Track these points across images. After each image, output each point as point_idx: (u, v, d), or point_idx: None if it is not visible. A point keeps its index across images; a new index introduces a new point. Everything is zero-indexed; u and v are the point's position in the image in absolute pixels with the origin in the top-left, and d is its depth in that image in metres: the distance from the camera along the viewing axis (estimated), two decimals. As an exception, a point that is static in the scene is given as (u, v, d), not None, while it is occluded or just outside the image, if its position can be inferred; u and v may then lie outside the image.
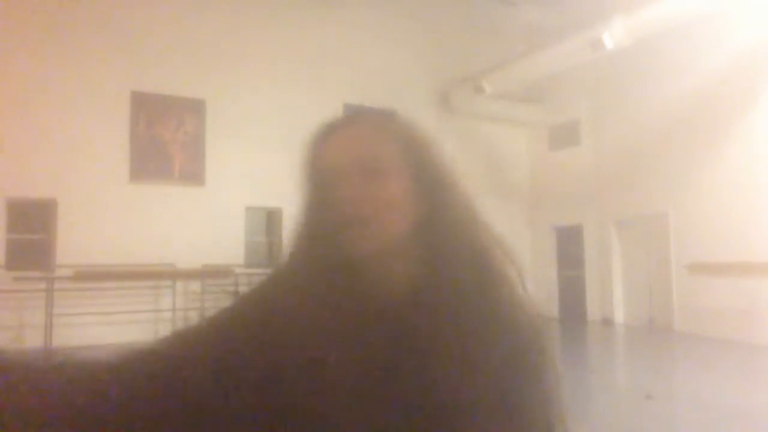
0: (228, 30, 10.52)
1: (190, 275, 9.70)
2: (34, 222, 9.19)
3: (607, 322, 11.72)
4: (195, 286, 9.84)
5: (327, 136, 0.84)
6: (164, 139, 10.15)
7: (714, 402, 5.79)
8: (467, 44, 12.58)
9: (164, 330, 9.59)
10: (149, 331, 9.57)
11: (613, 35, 9.47)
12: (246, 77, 10.58)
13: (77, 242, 9.10)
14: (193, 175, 10.27)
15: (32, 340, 8.62)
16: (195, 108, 10.35)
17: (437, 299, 0.79)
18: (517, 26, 12.45)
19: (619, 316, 11.73)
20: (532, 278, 13.72)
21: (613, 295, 11.82)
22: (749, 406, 5.62)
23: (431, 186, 0.83)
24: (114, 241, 9.28)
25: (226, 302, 0.85)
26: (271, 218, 10.62)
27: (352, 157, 0.81)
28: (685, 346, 9.47)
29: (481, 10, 12.64)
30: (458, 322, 0.79)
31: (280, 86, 10.81)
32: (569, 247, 12.81)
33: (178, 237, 9.65)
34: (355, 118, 0.87)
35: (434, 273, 0.80)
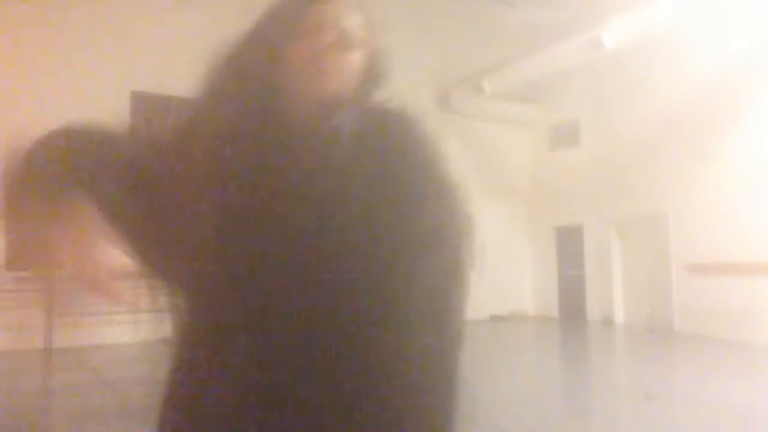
0: (228, 30, 10.52)
1: (190, 275, 9.69)
2: (34, 222, 9.19)
3: (607, 322, 11.73)
4: (195, 286, 9.84)
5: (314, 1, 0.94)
6: (164, 139, 10.15)
7: (714, 402, 5.79)
8: (467, 44, 12.58)
9: (164, 330, 9.58)
10: (149, 331, 9.58)
11: (613, 35, 9.47)
12: (246, 77, 10.57)
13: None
14: (193, 175, 10.27)
15: (32, 340, 8.63)
16: (195, 108, 10.34)
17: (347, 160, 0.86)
18: (517, 26, 12.45)
19: (619, 316, 11.73)
20: (533, 278, 13.79)
21: (613, 295, 11.82)
22: (750, 406, 5.62)
23: (377, 70, 0.96)
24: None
25: None
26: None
27: (335, 17, 0.92)
28: (685, 346, 9.47)
29: (481, 11, 12.63)
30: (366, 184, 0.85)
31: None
32: (569, 247, 12.82)
33: (178, 237, 9.64)
34: None
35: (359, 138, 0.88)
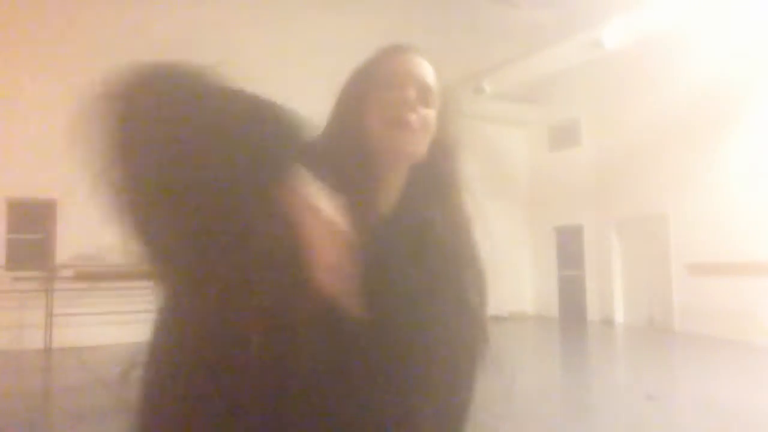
0: (227, 30, 10.52)
1: (190, 275, 9.69)
2: (34, 222, 9.19)
3: (607, 322, 11.72)
4: (195, 286, 9.84)
5: (400, 50, 0.95)
6: (164, 139, 10.15)
7: (714, 402, 5.79)
8: (467, 44, 12.58)
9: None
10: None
11: (613, 35, 9.47)
12: (245, 77, 10.56)
13: (77, 242, 9.10)
14: (193, 175, 10.27)
15: (32, 340, 8.63)
16: (195, 108, 10.35)
17: (412, 236, 0.89)
18: (517, 26, 12.45)
19: (619, 316, 11.73)
20: (533, 278, 13.77)
21: (613, 295, 11.82)
22: (749, 406, 5.62)
23: (447, 132, 0.96)
24: (114, 241, 9.26)
25: None
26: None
27: (419, 74, 0.92)
28: (685, 346, 9.47)
29: (481, 10, 12.63)
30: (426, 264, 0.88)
31: (280, 86, 10.77)
32: (569, 247, 12.81)
33: (178, 237, 9.64)
34: (409, 45, 0.98)
35: (418, 213, 0.91)
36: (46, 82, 9.21)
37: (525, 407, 5.35)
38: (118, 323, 8.97)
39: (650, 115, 10.77)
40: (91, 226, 9.54)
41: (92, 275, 8.85)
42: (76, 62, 9.45)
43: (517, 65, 11.36)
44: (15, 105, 8.99)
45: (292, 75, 11.07)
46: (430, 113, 0.92)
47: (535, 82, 12.10)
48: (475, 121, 12.97)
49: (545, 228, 13.28)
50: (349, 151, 0.88)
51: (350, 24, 11.63)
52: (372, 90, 0.91)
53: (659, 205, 10.68)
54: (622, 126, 11.48)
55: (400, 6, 12.07)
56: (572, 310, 12.57)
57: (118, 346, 8.89)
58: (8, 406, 5.76)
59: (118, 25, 9.76)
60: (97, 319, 8.75)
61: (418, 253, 0.88)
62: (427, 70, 0.94)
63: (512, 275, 12.62)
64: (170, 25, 10.15)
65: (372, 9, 11.84)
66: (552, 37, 10.64)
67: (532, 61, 11.07)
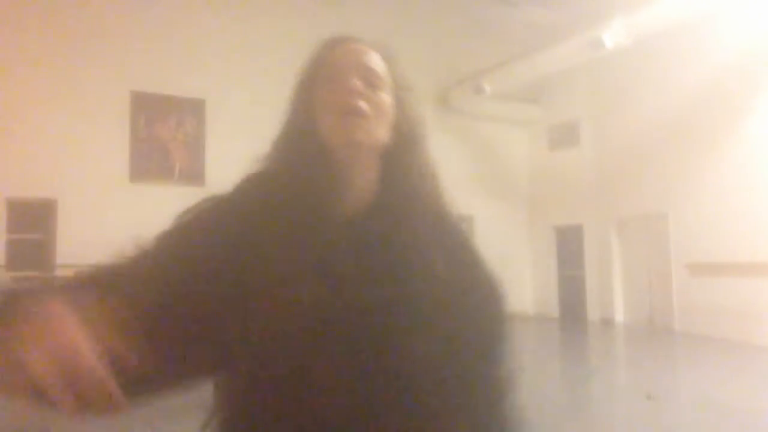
0: (228, 30, 10.53)
1: (190, 275, 9.68)
2: (34, 222, 9.19)
3: (607, 322, 11.72)
4: (195, 286, 9.84)
5: (340, 41, 0.95)
6: (164, 139, 10.15)
7: (714, 402, 5.79)
8: (467, 44, 12.58)
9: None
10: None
11: (613, 35, 9.47)
12: (245, 77, 10.57)
13: (77, 242, 9.10)
14: (193, 175, 10.27)
15: (32, 340, 8.63)
16: (195, 108, 10.35)
17: (401, 215, 0.88)
18: (517, 26, 12.44)
19: (619, 316, 11.73)
20: (533, 278, 13.78)
21: (613, 295, 11.82)
22: (749, 406, 5.62)
23: (407, 117, 0.94)
24: (114, 241, 9.26)
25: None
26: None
27: (362, 61, 0.92)
28: (685, 346, 9.47)
29: (481, 10, 12.63)
30: (421, 239, 0.87)
31: (280, 86, 10.78)
32: (569, 247, 12.81)
33: (178, 237, 9.64)
34: (350, 35, 0.97)
35: (398, 192, 0.90)
36: (46, 82, 9.21)
37: (525, 407, 5.35)
38: (118, 323, 8.98)
39: (650, 115, 10.77)
40: (91, 226, 9.50)
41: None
42: (76, 62, 9.46)
43: (517, 65, 11.36)
44: (15, 105, 8.99)
45: (292, 70, 11.07)
46: (383, 97, 0.91)
47: (535, 82, 12.09)
48: (475, 121, 12.98)
49: (545, 228, 13.28)
50: (305, 150, 0.88)
51: (350, 23, 11.62)
52: (319, 85, 0.91)
53: (659, 204, 10.67)
54: (622, 126, 11.48)
55: (400, 5, 12.07)
56: (572, 310, 12.57)
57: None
58: (8, 407, 5.75)
59: (123, 26, 9.76)
60: (97, 319, 8.74)
61: (395, 243, 0.86)
62: (371, 56, 0.93)
63: (512, 275, 12.62)
64: (171, 25, 10.16)
65: (372, 8, 11.84)
66: (552, 37, 10.64)
67: (532, 61, 11.06)
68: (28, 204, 9.12)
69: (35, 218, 9.19)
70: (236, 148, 11.85)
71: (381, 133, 0.90)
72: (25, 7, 9.17)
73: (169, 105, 10.20)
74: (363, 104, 0.88)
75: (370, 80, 0.91)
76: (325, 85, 0.90)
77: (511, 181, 13.58)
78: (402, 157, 0.92)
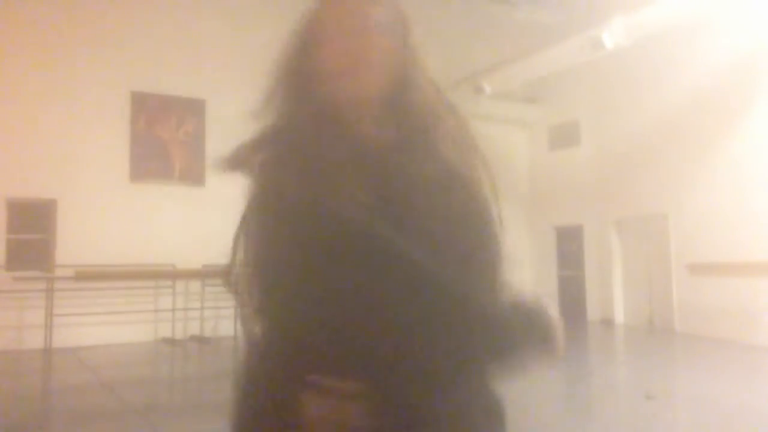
0: (228, 30, 10.52)
1: (190, 275, 9.69)
2: (34, 222, 9.19)
3: (607, 322, 11.72)
4: (195, 286, 9.84)
5: (319, 5, 0.97)
6: (164, 139, 10.15)
7: (714, 402, 5.79)
8: (467, 44, 12.58)
9: (164, 330, 9.60)
10: (149, 331, 9.58)
11: (613, 35, 9.46)
12: (246, 77, 10.56)
13: (77, 242, 9.10)
14: (193, 175, 10.27)
15: (32, 341, 8.63)
16: (195, 108, 10.35)
17: (415, 150, 0.92)
18: (517, 26, 12.44)
19: (619, 316, 11.73)
20: (532, 278, 13.76)
21: (613, 295, 11.82)
22: (749, 406, 5.62)
23: (411, 59, 0.96)
24: (114, 241, 9.27)
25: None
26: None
27: (350, 13, 0.93)
28: (685, 346, 9.47)
29: (481, 10, 12.63)
30: (433, 175, 0.91)
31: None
32: (569, 247, 12.81)
33: (178, 237, 9.64)
34: None
35: (411, 131, 0.93)
36: (46, 82, 9.21)
37: (524, 407, 5.35)
38: (118, 323, 8.98)
39: (650, 115, 10.77)
40: (91, 226, 9.51)
41: (92, 275, 8.85)
42: (76, 62, 9.46)
43: (517, 65, 11.35)
44: (15, 105, 8.99)
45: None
46: (378, 45, 0.92)
47: (535, 82, 12.09)
48: (475, 121, 12.97)
49: (545, 228, 13.28)
50: (312, 111, 0.92)
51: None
52: (313, 45, 0.93)
53: (659, 205, 10.67)
54: (622, 126, 11.48)
55: (400, 5, 12.06)
56: (572, 310, 12.56)
57: (118, 346, 8.90)
58: (8, 407, 5.76)
59: (124, 26, 9.75)
60: (97, 319, 8.75)
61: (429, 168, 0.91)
62: (362, 10, 0.94)
63: (512, 275, 12.59)
64: (171, 25, 10.16)
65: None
66: (552, 37, 10.63)
67: (532, 61, 11.06)
68: (28, 204, 9.12)
69: (35, 218, 9.19)
70: (236, 149, 11.84)
71: (381, 80, 0.92)
72: (25, 7, 9.17)
73: (169, 105, 10.21)
74: (353, 62, 0.90)
75: (361, 31, 0.91)
76: (320, 47, 0.92)
77: (511, 181, 13.57)
78: (410, 95, 0.94)
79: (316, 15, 0.96)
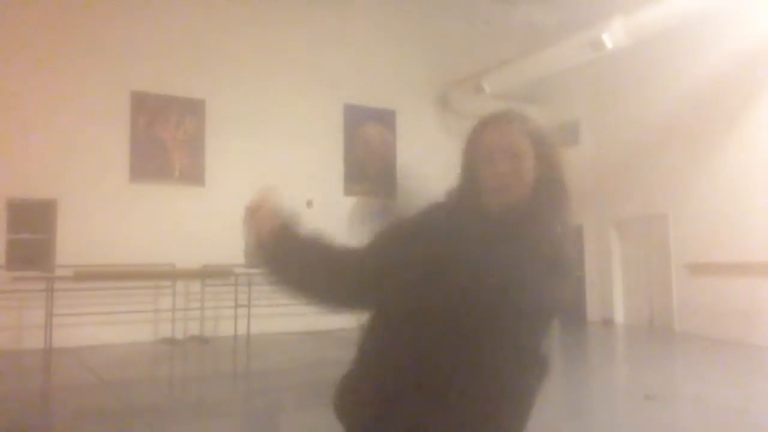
0: (228, 30, 10.53)
1: (190, 275, 9.70)
2: (34, 222, 9.19)
3: (607, 322, 11.72)
4: (195, 286, 9.84)
5: (485, 126, 1.29)
6: (164, 138, 10.15)
7: (714, 402, 5.79)
8: (467, 44, 12.58)
9: (164, 330, 9.60)
10: (149, 331, 9.58)
11: (613, 35, 9.47)
12: (246, 77, 10.58)
13: (77, 242, 9.10)
14: (193, 175, 10.28)
15: (32, 340, 8.63)
16: (195, 108, 10.35)
17: (530, 227, 1.24)
18: (517, 26, 12.44)
19: (619, 316, 11.73)
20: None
21: (613, 295, 11.82)
22: (749, 406, 5.63)
23: (547, 165, 1.27)
24: (114, 241, 9.27)
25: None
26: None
27: (506, 143, 1.25)
28: (685, 346, 9.47)
29: (481, 10, 12.62)
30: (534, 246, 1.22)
31: (280, 86, 10.81)
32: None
33: (178, 237, 9.64)
34: (502, 115, 1.31)
35: (534, 215, 1.25)
36: (46, 82, 9.21)
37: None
38: (118, 323, 8.98)
39: (650, 115, 10.77)
40: (91, 226, 9.52)
41: (92, 275, 8.85)
42: (76, 62, 9.46)
43: (517, 65, 11.35)
44: (15, 105, 8.99)
45: (292, 70, 11.08)
46: (524, 166, 1.24)
47: (535, 82, 12.09)
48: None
49: (545, 228, 13.25)
50: (470, 204, 1.28)
51: (350, 22, 11.63)
52: (478, 160, 1.26)
53: (659, 205, 10.67)
54: (622, 126, 11.48)
55: (400, 6, 12.07)
56: (572, 310, 12.56)
57: (118, 346, 8.89)
58: (8, 407, 5.75)
59: (124, 26, 9.76)
60: (97, 319, 8.75)
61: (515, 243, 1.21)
62: (514, 138, 1.25)
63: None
64: (171, 25, 10.16)
65: (372, 9, 11.84)
66: (552, 37, 10.64)
67: (532, 61, 11.06)
68: (28, 204, 9.12)
69: (35, 218, 9.19)
70: (236, 148, 11.90)
71: (522, 190, 1.24)
72: (26, 7, 9.17)
73: (169, 105, 10.21)
74: (507, 182, 1.23)
75: (514, 157, 1.23)
76: (481, 164, 1.25)
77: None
78: (541, 202, 1.25)
79: (481, 136, 1.28)
